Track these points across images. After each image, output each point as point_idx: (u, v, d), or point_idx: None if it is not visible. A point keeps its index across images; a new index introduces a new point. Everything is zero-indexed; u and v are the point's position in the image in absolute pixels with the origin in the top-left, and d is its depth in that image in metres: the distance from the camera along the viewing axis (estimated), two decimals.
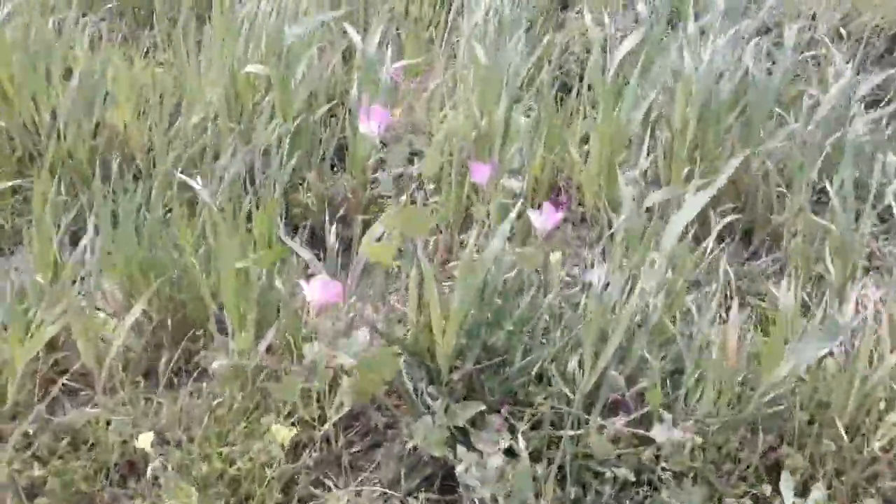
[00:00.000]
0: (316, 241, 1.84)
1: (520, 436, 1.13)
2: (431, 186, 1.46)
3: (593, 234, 1.80)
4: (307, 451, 1.34)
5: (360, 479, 1.34)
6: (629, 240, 1.51)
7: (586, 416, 1.20)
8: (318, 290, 1.11)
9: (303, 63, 1.80)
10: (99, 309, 1.47)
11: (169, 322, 1.52)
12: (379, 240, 1.31)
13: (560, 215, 1.17)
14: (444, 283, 1.32)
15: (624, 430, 1.15)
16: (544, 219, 1.16)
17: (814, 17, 2.93)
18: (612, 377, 1.25)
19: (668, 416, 1.15)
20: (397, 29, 2.38)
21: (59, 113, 1.89)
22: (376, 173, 1.90)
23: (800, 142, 1.80)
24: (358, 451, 1.39)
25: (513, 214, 1.25)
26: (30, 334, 1.32)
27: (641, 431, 1.19)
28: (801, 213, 1.70)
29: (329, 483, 1.33)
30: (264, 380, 1.31)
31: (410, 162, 1.25)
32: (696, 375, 1.26)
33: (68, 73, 2.07)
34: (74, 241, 1.71)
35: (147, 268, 1.46)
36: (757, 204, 1.81)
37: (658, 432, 1.12)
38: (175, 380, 1.47)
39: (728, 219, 1.47)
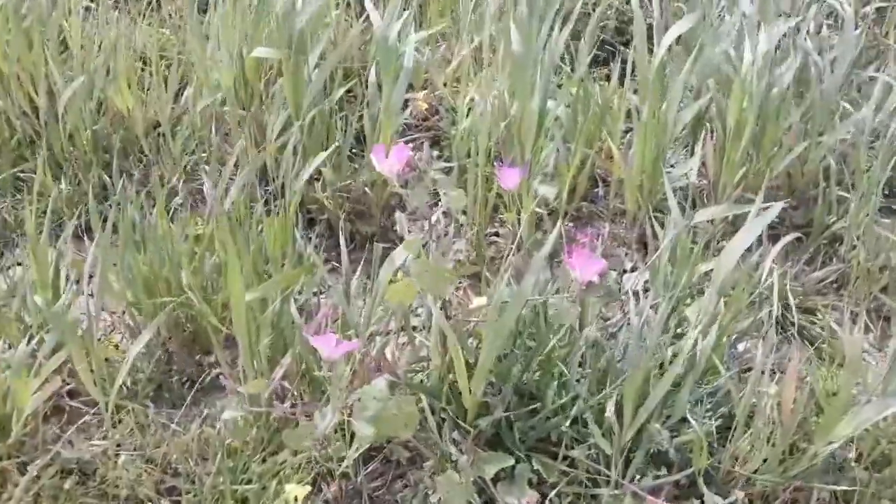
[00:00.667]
0: (333, 237, 1.72)
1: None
2: (462, 217, 1.32)
3: (633, 235, 1.66)
4: (327, 485, 1.28)
5: None
6: (677, 261, 1.38)
7: (621, 481, 1.10)
8: (331, 347, 1.00)
9: (318, 48, 1.63)
10: (102, 340, 1.38)
11: (178, 338, 1.44)
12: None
13: (603, 265, 1.04)
14: (468, 321, 1.20)
15: None
16: (584, 272, 1.03)
17: None
18: (654, 431, 1.14)
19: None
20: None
21: (57, 93, 1.76)
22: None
23: (868, 134, 1.62)
24: (380, 485, 1.32)
25: (545, 250, 1.11)
26: (34, 369, 1.24)
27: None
28: (865, 220, 1.54)
29: None
30: (279, 427, 1.22)
31: (435, 198, 1.11)
32: (747, 434, 1.15)
33: (66, 47, 1.93)
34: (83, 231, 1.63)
35: (151, 290, 1.36)
36: (814, 203, 1.64)
37: None
38: (187, 396, 1.40)
39: (789, 238, 1.32)
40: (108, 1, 2.32)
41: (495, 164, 1.64)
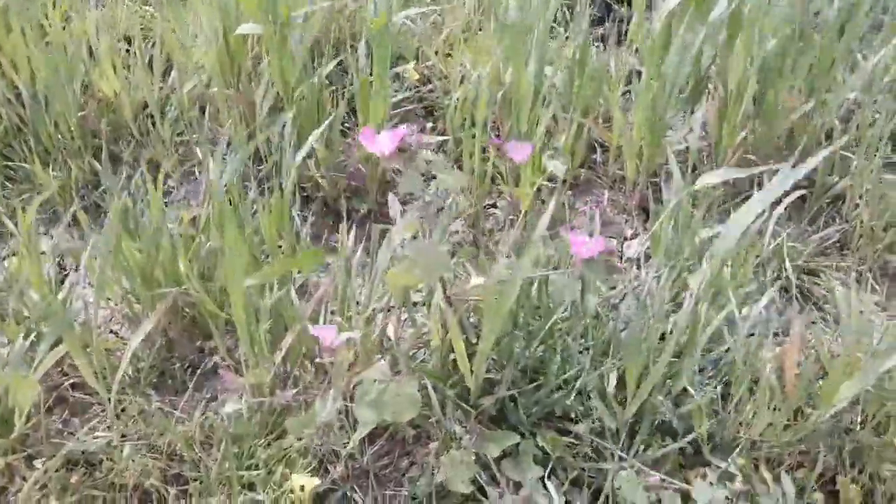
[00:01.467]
0: (329, 215, 1.70)
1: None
2: (460, 198, 1.29)
3: (633, 202, 1.63)
4: (333, 466, 1.28)
5: (389, 493, 1.27)
6: (678, 227, 1.36)
7: (625, 455, 1.10)
8: (330, 336, 0.99)
9: (301, 20, 1.58)
10: (101, 330, 1.37)
11: (178, 325, 1.43)
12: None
13: (603, 244, 1.01)
14: (467, 300, 1.19)
15: (660, 481, 1.05)
16: (587, 248, 1.01)
17: None
18: (658, 402, 1.14)
19: (711, 475, 1.04)
20: None
21: (39, 79, 1.72)
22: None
23: (874, 92, 1.58)
24: (386, 464, 1.32)
25: (543, 224, 1.08)
26: (34, 365, 1.23)
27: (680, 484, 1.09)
28: (870, 177, 1.51)
29: (357, 498, 1.27)
30: (282, 411, 1.22)
31: (427, 182, 1.09)
32: (751, 399, 1.14)
33: (46, 32, 1.88)
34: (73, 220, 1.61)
35: (148, 279, 1.34)
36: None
37: (700, 491, 1.02)
38: (189, 383, 1.39)
39: (791, 198, 1.29)
40: None
41: (491, 136, 1.61)
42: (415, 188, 1.12)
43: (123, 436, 1.28)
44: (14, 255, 1.65)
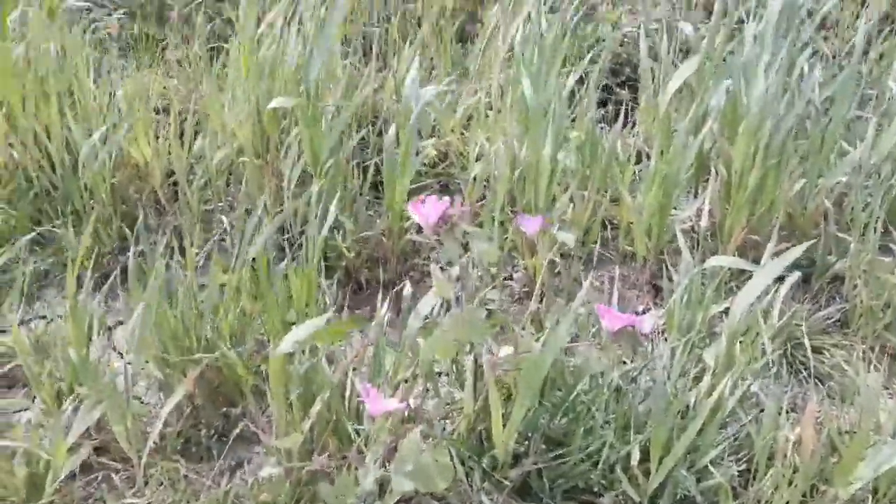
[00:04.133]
0: (351, 283, 1.76)
1: None
2: (493, 272, 1.36)
3: (643, 278, 1.71)
4: None
5: None
6: (690, 303, 1.43)
7: None
8: (379, 405, 1.04)
9: (333, 98, 1.68)
10: (137, 398, 1.41)
11: (205, 390, 1.46)
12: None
13: (634, 319, 1.08)
14: (497, 370, 1.24)
15: None
16: (616, 321, 1.07)
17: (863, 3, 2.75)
18: (680, 477, 1.19)
19: None
20: (425, 48, 2.24)
21: (74, 146, 1.79)
22: (413, 207, 1.81)
23: (864, 175, 1.69)
24: None
25: (577, 304, 1.15)
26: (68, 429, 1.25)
27: None
28: (865, 259, 1.60)
29: None
30: (311, 480, 1.25)
31: (465, 248, 1.15)
32: (767, 476, 1.19)
33: (80, 100, 1.96)
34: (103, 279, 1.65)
35: (180, 343, 1.38)
36: (816, 243, 1.71)
37: None
38: (215, 450, 1.42)
39: (793, 278, 1.38)
40: (115, 51, 2.37)
41: (509, 211, 1.70)
42: (455, 258, 1.18)
43: (151, 502, 1.30)
44: (42, 317, 1.69)
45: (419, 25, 2.48)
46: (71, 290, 1.36)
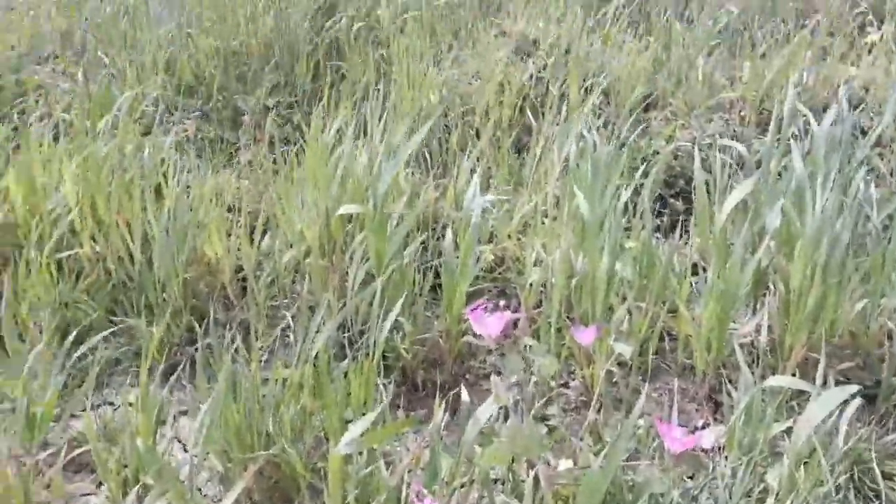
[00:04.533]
0: (406, 384, 1.79)
1: None
2: (552, 383, 1.39)
3: (702, 392, 1.70)
4: None
5: None
6: (750, 420, 1.42)
7: None
8: None
9: (399, 206, 1.76)
10: (198, 489, 1.43)
11: (262, 486, 1.48)
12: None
13: (697, 440, 1.08)
14: (555, 484, 1.24)
15: None
16: (680, 442, 1.07)
17: None
18: None
19: None
20: (482, 158, 2.35)
21: (152, 241, 1.90)
22: (469, 312, 1.85)
23: None
24: None
25: (633, 419, 1.16)
26: None
27: None
28: None
29: None
30: None
31: (527, 367, 1.18)
32: None
33: (160, 192, 2.09)
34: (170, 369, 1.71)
35: (242, 439, 1.42)
36: (881, 363, 1.68)
37: None
38: None
39: (858, 401, 1.36)
40: (191, 151, 2.53)
41: (567, 318, 1.72)
42: (516, 370, 1.21)
43: None
44: (109, 404, 1.75)
45: (477, 136, 2.60)
46: (143, 382, 1.42)
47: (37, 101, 2.76)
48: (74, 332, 1.66)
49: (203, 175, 2.24)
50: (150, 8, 3.27)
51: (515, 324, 1.32)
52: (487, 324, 1.17)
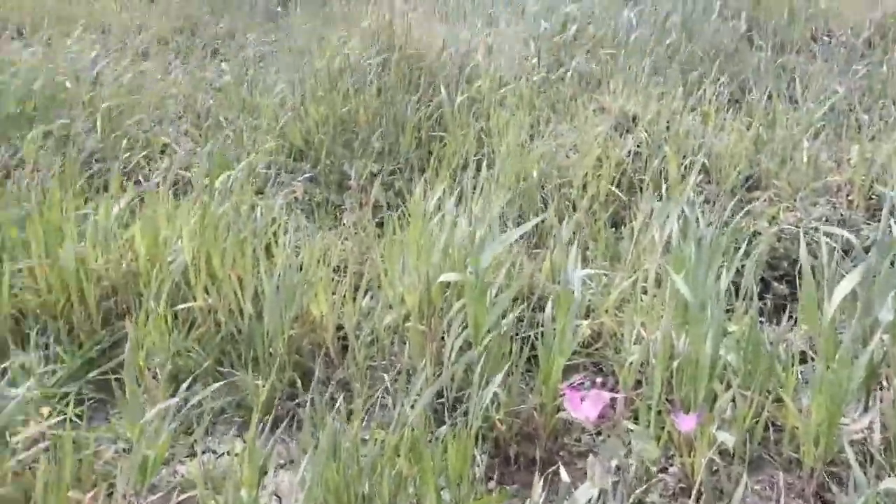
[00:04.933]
0: (500, 454, 1.78)
1: None
2: (654, 469, 1.37)
3: (810, 488, 1.62)
4: None
5: None
6: None
7: None
8: None
9: (499, 278, 1.80)
10: None
11: None
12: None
13: None
14: None
15: None
16: None
17: None
18: None
19: None
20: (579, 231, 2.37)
21: (262, 297, 2.00)
22: (566, 389, 1.84)
23: None
24: None
25: None
26: None
27: None
28: None
29: None
30: None
31: (625, 449, 1.17)
32: None
33: (270, 250, 2.20)
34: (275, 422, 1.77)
35: (340, 499, 1.45)
36: None
37: None
38: None
39: None
40: (299, 212, 2.67)
41: (667, 400, 1.69)
42: (616, 454, 1.20)
43: None
44: (213, 452, 1.82)
45: (573, 208, 2.63)
46: (251, 436, 1.48)
47: (161, 158, 2.99)
48: (184, 379, 1.75)
49: (310, 235, 2.35)
50: (268, 77, 3.51)
51: (612, 403, 1.32)
52: (584, 408, 1.17)
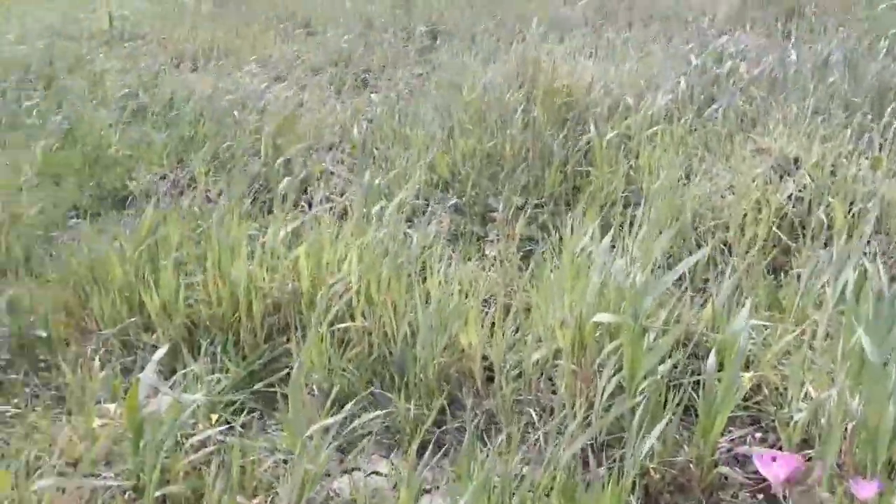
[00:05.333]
0: (650, 502, 1.73)
1: None
2: None
3: None
4: None
5: None
6: None
7: None
8: None
9: (658, 321, 1.76)
10: None
11: None
12: None
13: None
14: None
15: None
16: None
17: None
18: None
19: None
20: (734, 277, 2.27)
21: (415, 326, 2.05)
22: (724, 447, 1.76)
23: None
24: None
25: None
26: None
27: None
28: None
29: None
30: None
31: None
32: None
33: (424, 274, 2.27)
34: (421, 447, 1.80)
35: None
36: None
37: None
38: None
39: None
40: (444, 240, 2.72)
41: (836, 465, 1.58)
42: None
43: None
44: (357, 469, 1.88)
45: (729, 253, 2.53)
46: (410, 462, 1.52)
47: (318, 184, 3.15)
48: (338, 397, 1.82)
49: (458, 266, 2.40)
50: (420, 110, 3.63)
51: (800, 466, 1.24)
52: (774, 468, 1.11)
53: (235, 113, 3.78)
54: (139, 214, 3.01)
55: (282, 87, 4.34)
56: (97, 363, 2.06)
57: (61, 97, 4.24)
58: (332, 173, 3.18)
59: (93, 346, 2.22)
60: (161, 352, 1.82)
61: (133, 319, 2.23)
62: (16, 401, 2.02)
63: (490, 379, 2.05)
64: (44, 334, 2.23)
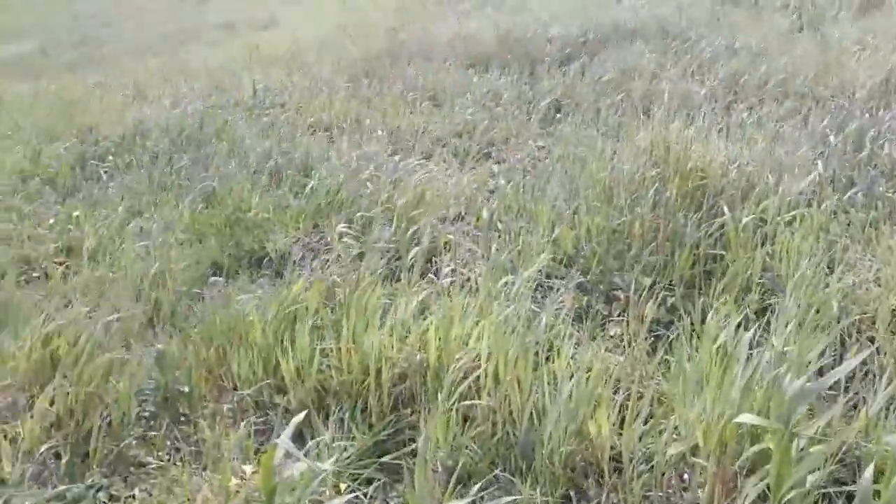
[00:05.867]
0: None
1: None
2: None
3: None
4: None
5: None
6: None
7: None
8: None
9: (811, 430, 1.65)
10: None
11: None
12: None
13: None
14: None
15: None
16: None
17: None
18: None
19: None
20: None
21: (544, 412, 2.02)
22: None
23: None
24: None
25: None
26: None
27: None
28: None
29: None
30: None
31: None
32: None
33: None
34: None
35: None
36: None
37: None
38: None
39: None
40: (569, 320, 2.68)
41: None
42: None
43: None
44: None
45: (877, 352, 2.36)
46: None
47: (444, 255, 3.21)
48: (461, 475, 1.80)
49: (584, 346, 2.35)
50: (541, 183, 3.66)
51: None
52: None
53: (369, 186, 3.92)
54: (275, 276, 3.18)
55: (408, 157, 4.49)
56: (233, 421, 2.15)
57: (208, 160, 4.57)
58: (458, 244, 3.23)
59: (229, 405, 2.32)
60: (298, 418, 1.89)
61: (268, 381, 2.33)
62: (159, 453, 2.14)
63: (617, 470, 1.98)
64: (186, 389, 2.36)
